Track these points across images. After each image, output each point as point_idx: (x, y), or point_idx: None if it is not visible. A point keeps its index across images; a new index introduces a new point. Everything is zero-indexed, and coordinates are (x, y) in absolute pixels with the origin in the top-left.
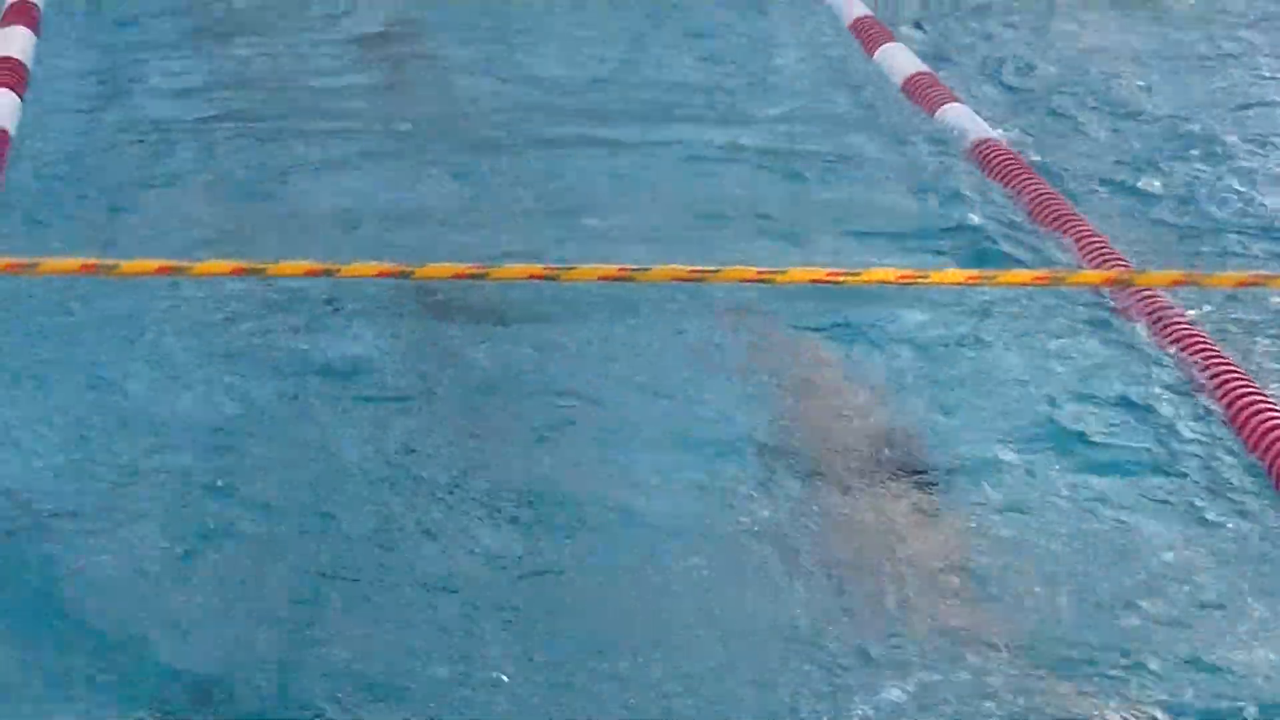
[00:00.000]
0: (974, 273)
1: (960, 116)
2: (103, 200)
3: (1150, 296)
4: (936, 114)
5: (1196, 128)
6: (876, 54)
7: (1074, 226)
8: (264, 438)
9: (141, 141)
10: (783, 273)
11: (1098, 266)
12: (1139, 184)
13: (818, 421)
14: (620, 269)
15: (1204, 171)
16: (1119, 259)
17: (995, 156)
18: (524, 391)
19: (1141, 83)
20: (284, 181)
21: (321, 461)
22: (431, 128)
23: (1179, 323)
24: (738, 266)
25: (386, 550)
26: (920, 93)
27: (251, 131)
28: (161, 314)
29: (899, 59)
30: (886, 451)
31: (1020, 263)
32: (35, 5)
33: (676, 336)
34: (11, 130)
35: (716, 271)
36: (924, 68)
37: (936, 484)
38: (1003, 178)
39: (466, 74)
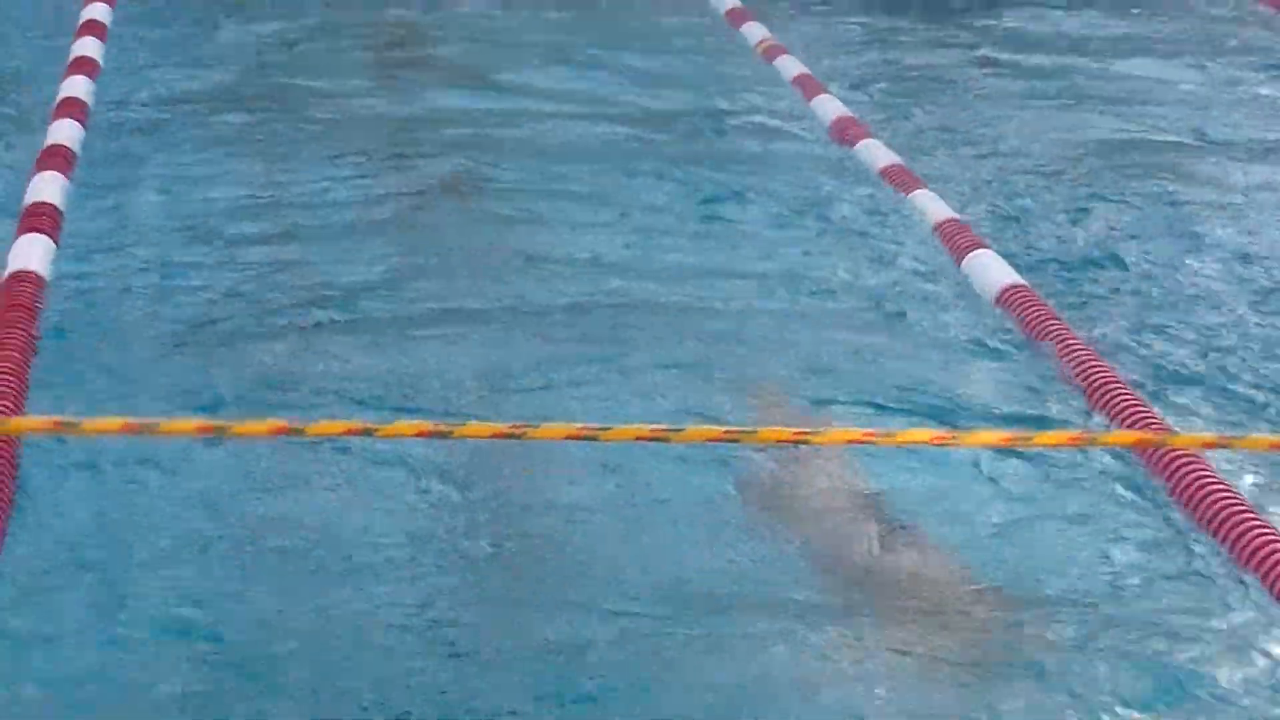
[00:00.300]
0: (1008, 434)
1: (987, 261)
2: (139, 351)
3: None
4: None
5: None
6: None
7: (1102, 380)
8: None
9: (180, 289)
10: (818, 433)
11: (1130, 425)
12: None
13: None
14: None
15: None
16: (1153, 417)
17: (1021, 303)
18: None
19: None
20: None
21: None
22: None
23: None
24: (773, 428)
25: None
26: (949, 239)
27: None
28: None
29: (930, 206)
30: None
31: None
32: (70, 149)
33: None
34: (46, 275)
35: (751, 432)
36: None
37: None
38: (1030, 328)
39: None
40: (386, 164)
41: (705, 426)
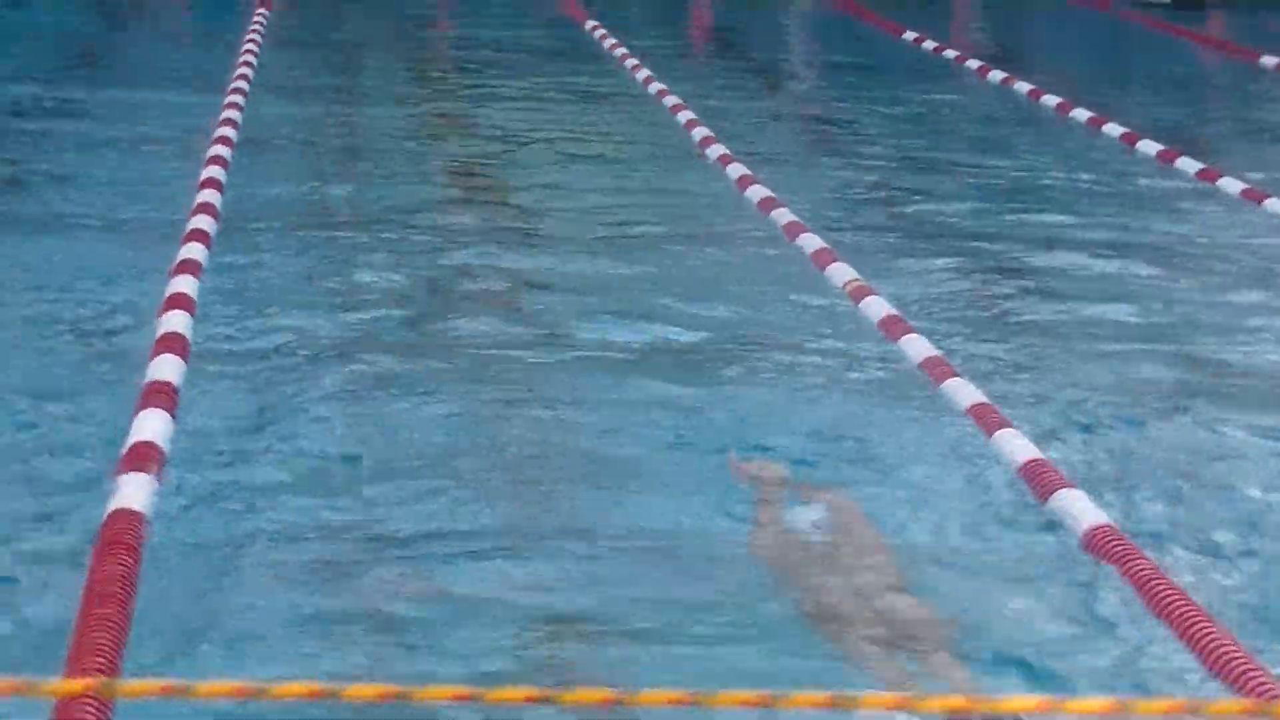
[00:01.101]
0: (1112, 700)
1: (1076, 502)
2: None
3: None
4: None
5: None
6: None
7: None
8: None
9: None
10: (921, 699)
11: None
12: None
13: None
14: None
15: None
16: (1260, 675)
17: (1112, 546)
18: None
19: None
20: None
21: None
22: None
23: None
24: (875, 692)
25: None
26: (1034, 478)
27: None
28: None
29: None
30: None
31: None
32: (173, 386)
33: None
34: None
35: (855, 699)
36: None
37: None
38: (1123, 571)
39: None
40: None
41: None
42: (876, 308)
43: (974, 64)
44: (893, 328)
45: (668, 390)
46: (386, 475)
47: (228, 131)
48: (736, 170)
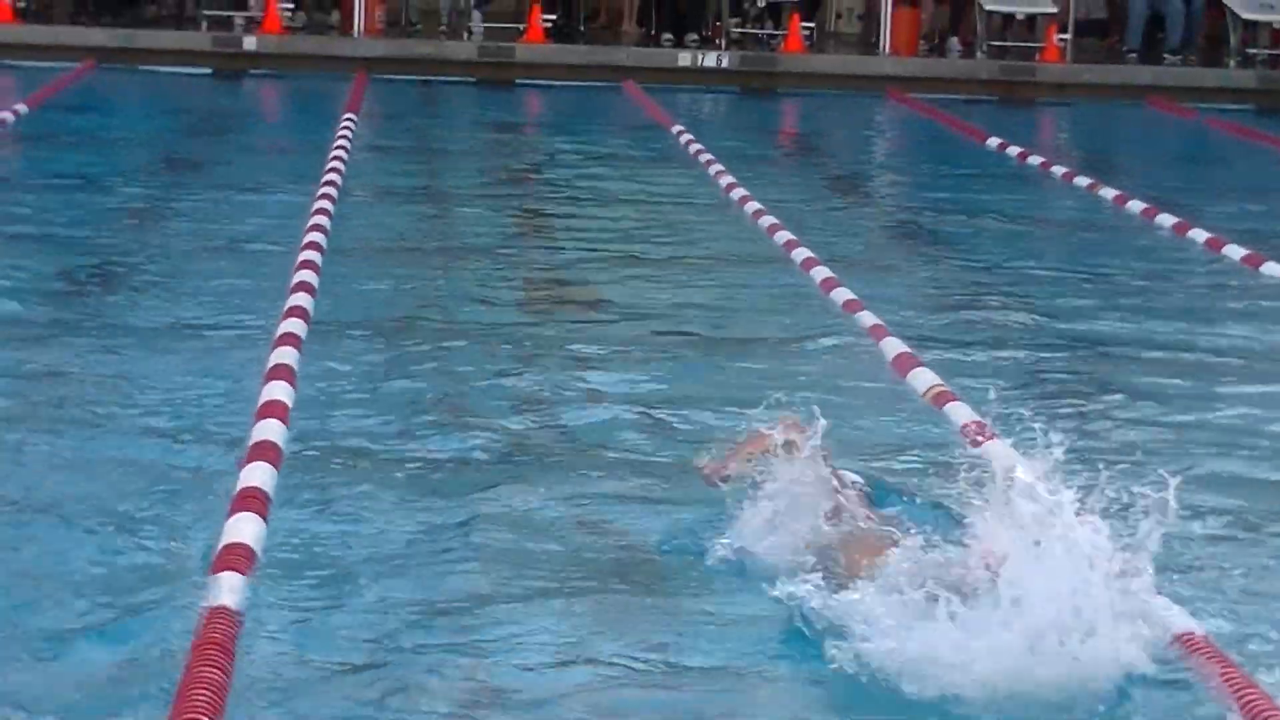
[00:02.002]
0: None
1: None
2: None
3: None
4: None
5: None
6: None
7: None
8: None
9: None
10: None
11: None
12: None
13: None
14: None
15: None
16: None
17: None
18: None
19: None
20: None
21: None
22: None
23: None
24: None
25: None
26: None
27: None
28: None
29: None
30: None
31: None
32: (265, 492)
33: None
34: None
35: None
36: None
37: None
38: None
39: None
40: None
41: None
42: (959, 414)
43: (1059, 170)
44: (975, 433)
45: None
46: (487, 582)
47: (317, 236)
48: (820, 273)
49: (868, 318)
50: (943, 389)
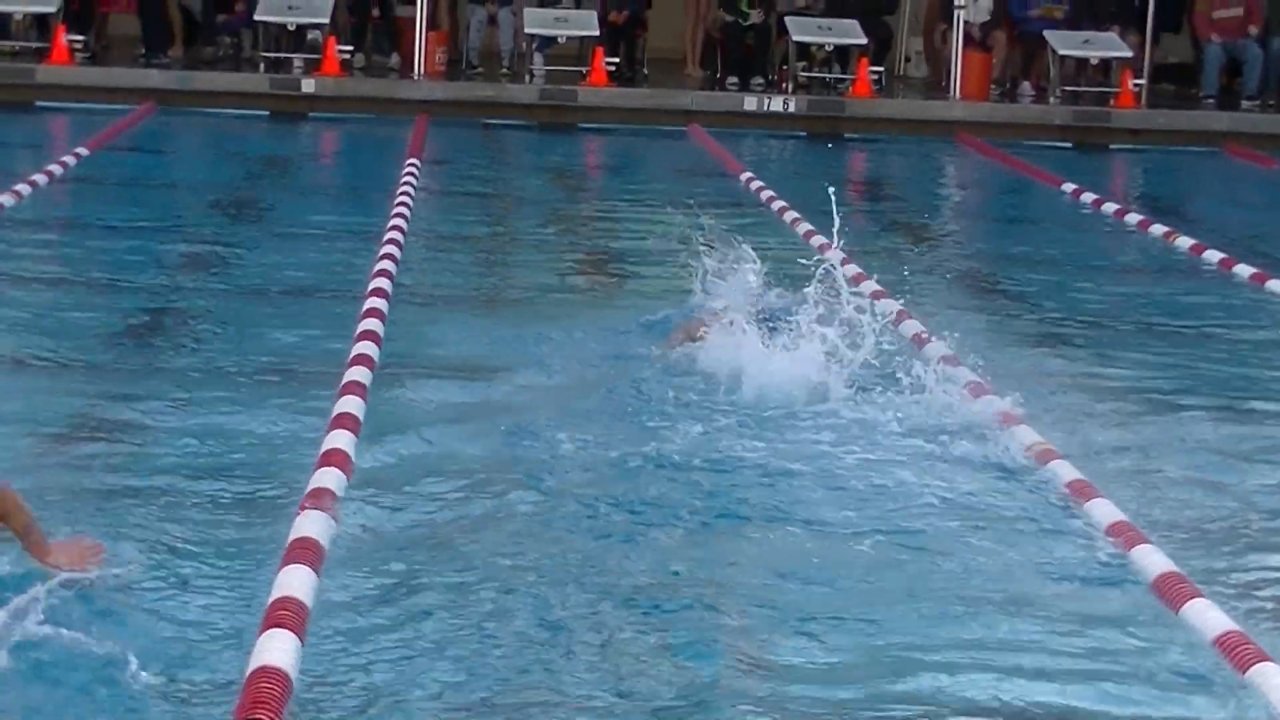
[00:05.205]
0: None
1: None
2: None
3: None
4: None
5: None
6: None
7: None
8: None
9: None
10: None
11: None
12: None
13: None
14: None
15: None
16: None
17: None
18: None
19: None
20: None
21: None
22: None
23: None
24: None
25: None
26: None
27: None
28: None
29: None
30: None
31: None
32: (319, 543)
33: None
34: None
35: None
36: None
37: None
38: None
39: None
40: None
41: None
42: (1062, 472)
43: (1134, 217)
44: (1081, 491)
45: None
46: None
47: (383, 283)
48: (910, 328)
49: (962, 373)
50: (1046, 447)
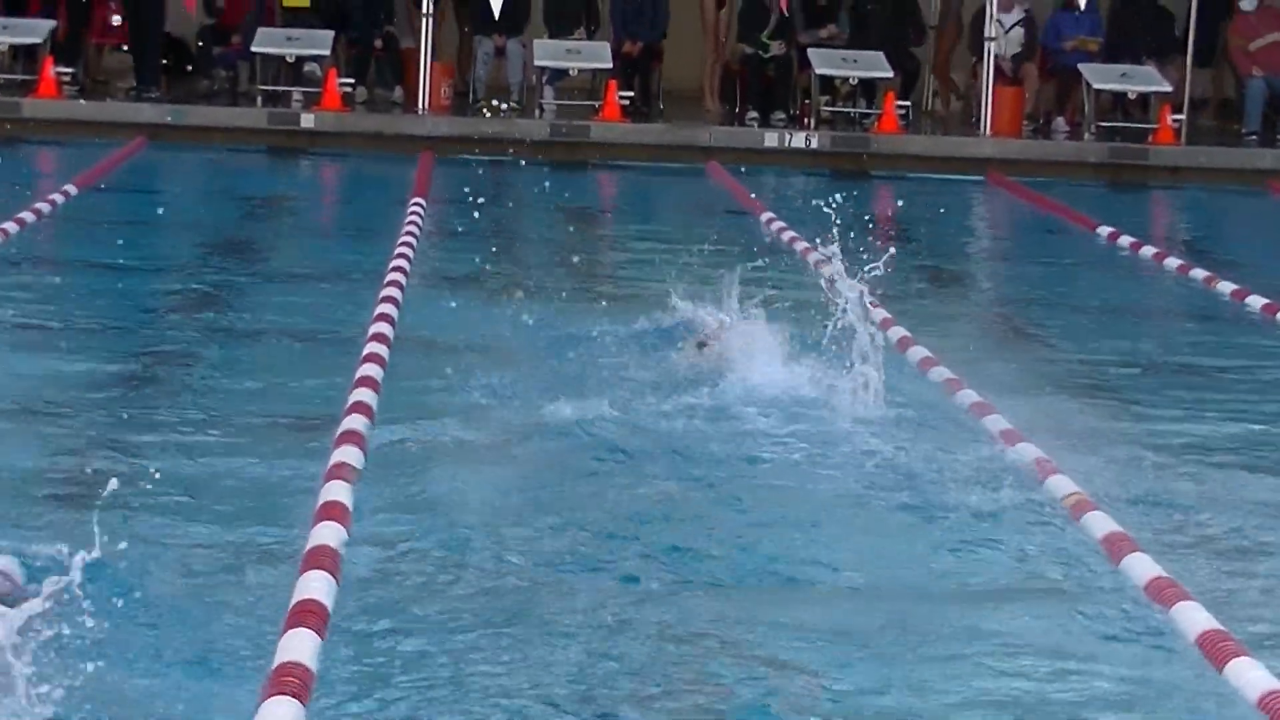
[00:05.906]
0: None
1: None
2: None
3: None
4: None
5: None
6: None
7: None
8: None
9: None
10: None
11: None
12: None
13: None
14: None
15: None
16: None
17: None
18: None
19: None
20: None
21: None
22: None
23: None
24: None
25: None
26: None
27: None
28: None
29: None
30: None
31: None
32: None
33: None
34: None
35: None
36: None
37: None
38: None
39: None
40: None
41: None
42: (1099, 524)
43: (1173, 261)
44: (1116, 546)
45: None
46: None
47: (383, 327)
48: (940, 373)
49: (997, 421)
50: (1081, 498)
